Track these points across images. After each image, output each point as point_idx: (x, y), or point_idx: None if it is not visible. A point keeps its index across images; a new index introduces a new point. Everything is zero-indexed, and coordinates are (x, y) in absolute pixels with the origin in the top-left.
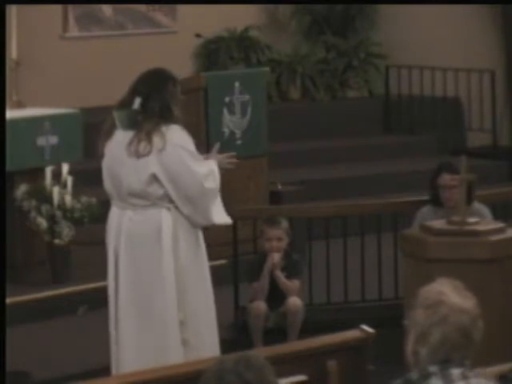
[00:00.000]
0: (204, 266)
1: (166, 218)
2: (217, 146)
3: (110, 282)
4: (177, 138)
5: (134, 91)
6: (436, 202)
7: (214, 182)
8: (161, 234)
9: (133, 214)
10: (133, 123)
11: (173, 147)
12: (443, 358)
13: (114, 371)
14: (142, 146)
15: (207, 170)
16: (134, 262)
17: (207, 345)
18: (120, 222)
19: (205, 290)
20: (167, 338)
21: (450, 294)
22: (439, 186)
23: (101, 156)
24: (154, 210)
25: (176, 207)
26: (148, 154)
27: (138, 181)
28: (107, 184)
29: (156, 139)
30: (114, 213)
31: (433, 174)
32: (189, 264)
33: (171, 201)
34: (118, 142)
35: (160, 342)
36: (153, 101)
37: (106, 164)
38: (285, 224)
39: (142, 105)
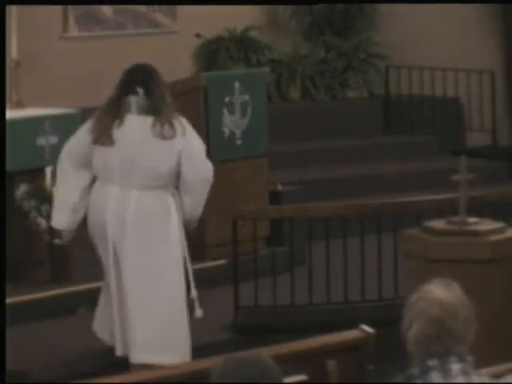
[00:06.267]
0: None
1: (172, 200)
2: None
3: (109, 262)
4: (188, 124)
5: (133, 81)
6: None
7: None
8: (170, 212)
9: (140, 194)
10: (151, 109)
11: (190, 133)
12: (425, 351)
13: (121, 350)
14: (166, 129)
15: None
16: (142, 237)
17: None
18: (124, 199)
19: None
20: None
21: (432, 290)
22: None
23: (111, 144)
24: (163, 192)
25: (177, 194)
26: (172, 137)
27: (165, 159)
28: (115, 164)
29: (176, 124)
30: (112, 191)
31: None
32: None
33: (176, 187)
34: (134, 125)
35: (167, 316)
36: (155, 90)
37: (119, 147)
38: None
39: (145, 93)
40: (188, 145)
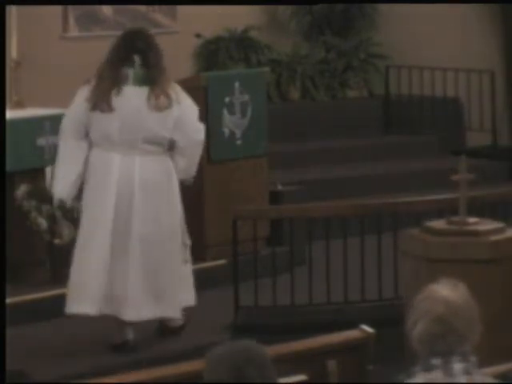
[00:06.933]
0: None
1: (171, 164)
2: None
3: (107, 222)
4: (182, 92)
5: (132, 49)
6: None
7: None
8: (171, 176)
9: (142, 159)
10: (146, 79)
11: (184, 100)
12: (429, 350)
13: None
14: (161, 100)
15: None
16: (147, 200)
17: None
18: (127, 165)
19: None
20: (176, 257)
21: (438, 290)
22: None
23: (110, 111)
24: (163, 157)
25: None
26: (167, 107)
27: (163, 129)
28: (115, 132)
29: (171, 93)
30: (114, 158)
31: None
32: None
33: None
34: (132, 97)
35: (168, 264)
36: (153, 58)
37: (118, 116)
38: None
39: (142, 61)
40: (182, 113)
